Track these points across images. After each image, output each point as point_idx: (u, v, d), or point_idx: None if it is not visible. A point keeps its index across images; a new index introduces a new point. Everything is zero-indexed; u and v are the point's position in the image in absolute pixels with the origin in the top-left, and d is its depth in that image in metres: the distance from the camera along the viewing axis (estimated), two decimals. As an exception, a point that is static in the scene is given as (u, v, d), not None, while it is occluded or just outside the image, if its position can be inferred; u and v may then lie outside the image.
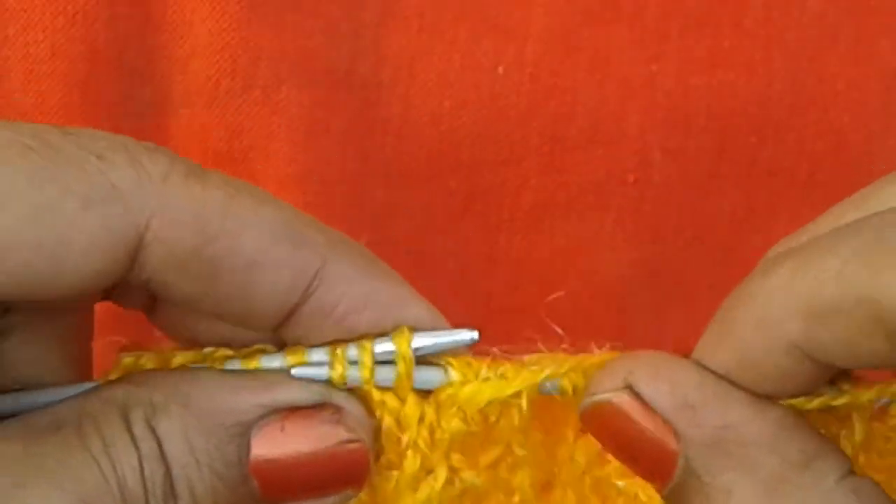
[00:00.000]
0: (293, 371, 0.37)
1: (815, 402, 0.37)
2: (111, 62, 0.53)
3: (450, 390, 0.38)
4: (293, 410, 0.36)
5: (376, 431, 0.38)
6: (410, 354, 0.37)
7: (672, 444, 0.36)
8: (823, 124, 0.59)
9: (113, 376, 0.38)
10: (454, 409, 0.38)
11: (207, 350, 0.38)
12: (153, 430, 0.35)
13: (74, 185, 0.34)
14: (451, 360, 0.38)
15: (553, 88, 0.57)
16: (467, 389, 0.38)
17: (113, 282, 0.36)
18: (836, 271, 0.34)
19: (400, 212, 0.57)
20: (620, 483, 0.40)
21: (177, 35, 0.54)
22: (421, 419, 0.38)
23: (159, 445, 0.35)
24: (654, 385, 0.36)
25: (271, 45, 0.54)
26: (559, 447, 0.40)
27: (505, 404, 0.38)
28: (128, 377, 0.37)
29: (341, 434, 0.37)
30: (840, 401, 0.37)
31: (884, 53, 0.59)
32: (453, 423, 0.38)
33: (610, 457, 0.39)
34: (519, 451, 0.39)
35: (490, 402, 0.38)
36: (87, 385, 0.38)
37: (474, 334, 0.38)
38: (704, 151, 0.58)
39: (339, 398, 0.37)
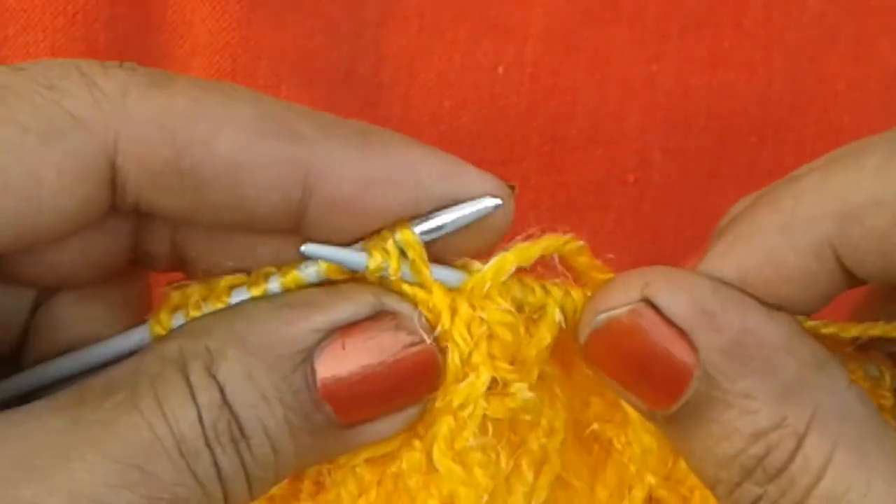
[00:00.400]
0: (318, 251, 0.35)
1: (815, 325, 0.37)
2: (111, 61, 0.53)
3: (476, 277, 0.36)
4: (350, 326, 0.35)
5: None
6: (416, 239, 0.35)
7: (689, 355, 0.35)
8: (823, 124, 0.59)
9: (163, 314, 0.37)
10: (487, 293, 0.36)
11: (252, 272, 0.37)
12: (214, 378, 0.34)
13: (29, 121, 0.33)
14: (469, 262, 0.37)
15: (553, 88, 0.57)
16: (494, 264, 0.36)
17: (100, 213, 0.35)
18: (875, 166, 0.34)
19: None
20: (595, 426, 0.39)
21: (177, 35, 0.54)
22: (454, 311, 0.36)
23: (221, 392, 0.34)
24: (672, 295, 0.35)
25: (271, 44, 0.54)
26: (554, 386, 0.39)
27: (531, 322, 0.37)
28: (181, 329, 0.36)
29: (403, 339, 0.35)
30: (827, 329, 0.37)
31: (884, 53, 0.59)
32: (491, 312, 0.36)
33: (592, 398, 0.39)
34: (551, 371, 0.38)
35: (516, 271, 0.36)
36: (137, 331, 0.37)
37: (497, 200, 0.36)
38: (704, 151, 0.58)
39: (392, 303, 0.36)
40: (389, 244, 0.35)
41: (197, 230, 0.37)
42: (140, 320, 0.39)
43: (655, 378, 0.35)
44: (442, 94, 0.56)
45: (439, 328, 0.36)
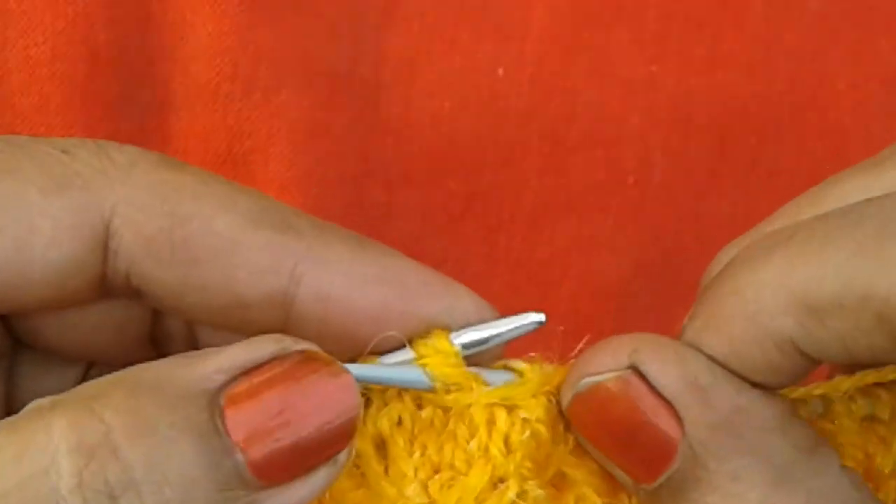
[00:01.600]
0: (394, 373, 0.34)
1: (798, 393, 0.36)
2: (111, 64, 0.53)
3: (521, 390, 0.35)
4: (259, 366, 0.32)
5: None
6: (455, 349, 0.34)
7: (674, 429, 0.34)
8: (824, 125, 0.59)
9: None
10: (529, 411, 0.35)
11: None
12: (100, 417, 0.29)
13: (34, 176, 0.33)
14: (523, 365, 0.36)
15: (553, 89, 0.57)
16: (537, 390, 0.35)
17: (90, 275, 0.34)
18: (837, 265, 0.32)
19: (400, 213, 0.57)
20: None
21: (177, 37, 0.54)
22: (491, 422, 0.35)
23: (106, 433, 0.29)
24: (662, 364, 0.34)
25: (272, 47, 0.54)
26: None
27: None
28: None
29: (315, 367, 0.32)
30: (818, 391, 0.36)
31: (884, 54, 0.59)
32: (530, 429, 0.35)
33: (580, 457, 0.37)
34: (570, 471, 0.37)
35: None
36: None
37: (541, 317, 0.35)
38: (705, 152, 0.58)
39: (301, 345, 0.32)
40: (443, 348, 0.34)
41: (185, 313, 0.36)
42: None
43: (639, 450, 0.34)
44: (442, 95, 0.56)
45: (474, 444, 0.35)
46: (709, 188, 0.58)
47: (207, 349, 0.32)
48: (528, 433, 0.35)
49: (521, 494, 0.35)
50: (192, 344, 0.38)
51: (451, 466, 0.35)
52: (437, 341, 0.35)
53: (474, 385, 0.35)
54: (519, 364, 0.36)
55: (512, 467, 0.35)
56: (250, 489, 0.31)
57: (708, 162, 0.58)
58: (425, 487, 0.35)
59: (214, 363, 0.31)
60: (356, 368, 0.34)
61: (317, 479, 0.32)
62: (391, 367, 0.35)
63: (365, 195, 0.57)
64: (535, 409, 0.35)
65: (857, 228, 0.33)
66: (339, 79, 0.56)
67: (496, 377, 0.36)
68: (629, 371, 0.34)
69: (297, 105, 0.55)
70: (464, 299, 0.36)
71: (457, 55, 0.56)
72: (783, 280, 0.33)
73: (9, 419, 0.29)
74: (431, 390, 0.35)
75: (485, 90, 0.56)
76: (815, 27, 0.58)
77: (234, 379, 0.31)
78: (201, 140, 0.54)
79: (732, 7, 0.57)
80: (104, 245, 0.34)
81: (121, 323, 0.37)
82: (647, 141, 0.57)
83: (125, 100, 0.54)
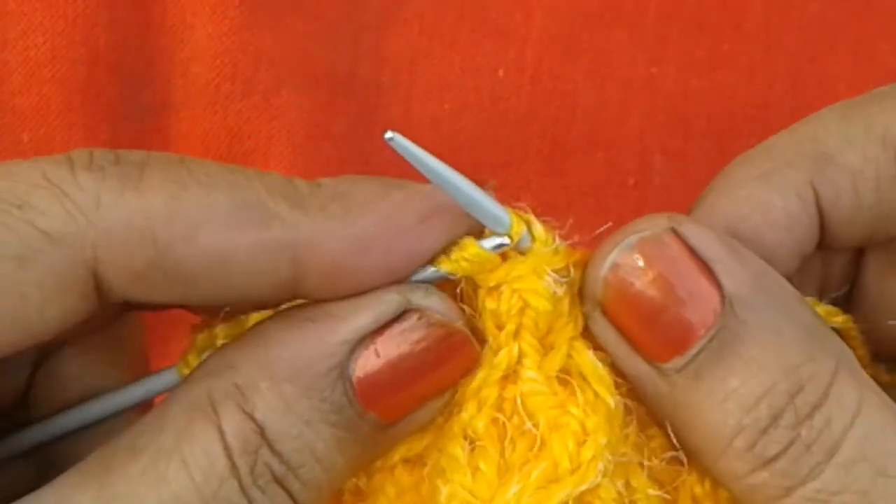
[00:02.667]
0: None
1: None
2: (111, 66, 0.53)
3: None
4: (379, 330, 0.35)
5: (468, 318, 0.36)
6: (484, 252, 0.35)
7: (715, 288, 0.34)
8: (824, 126, 0.59)
9: (191, 356, 0.37)
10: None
11: (282, 308, 0.36)
12: (251, 417, 0.33)
13: (4, 248, 0.33)
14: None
15: (553, 91, 0.57)
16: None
17: (87, 315, 0.35)
18: (838, 115, 0.36)
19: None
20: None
21: (177, 39, 0.54)
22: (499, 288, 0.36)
23: (261, 432, 0.33)
24: (700, 229, 0.35)
25: (272, 48, 0.54)
26: None
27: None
28: (204, 367, 0.35)
29: (435, 331, 0.35)
30: None
31: (884, 55, 0.59)
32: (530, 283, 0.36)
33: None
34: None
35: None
36: (165, 374, 0.37)
37: (504, 240, 0.36)
38: (705, 154, 0.58)
39: (418, 298, 0.35)
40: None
41: None
42: (140, 358, 0.40)
43: (678, 313, 0.34)
44: (442, 96, 0.56)
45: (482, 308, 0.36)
46: (709, 190, 0.58)
47: (327, 311, 0.35)
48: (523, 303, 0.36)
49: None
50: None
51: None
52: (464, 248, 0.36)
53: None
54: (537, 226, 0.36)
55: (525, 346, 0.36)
56: (384, 431, 0.35)
57: (708, 163, 0.58)
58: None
59: (340, 334, 0.34)
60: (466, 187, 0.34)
61: (429, 408, 0.36)
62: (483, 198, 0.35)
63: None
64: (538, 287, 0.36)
65: (843, 104, 0.37)
66: (339, 80, 0.56)
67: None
68: (668, 231, 0.35)
69: (296, 106, 0.55)
70: (446, 218, 0.36)
71: (457, 56, 0.56)
72: (792, 136, 0.36)
73: (180, 422, 0.34)
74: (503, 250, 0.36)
75: (485, 91, 0.56)
76: (814, 29, 0.58)
77: (358, 345, 0.34)
78: (201, 141, 0.54)
79: (732, 8, 0.57)
80: (95, 290, 0.35)
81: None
82: (646, 142, 0.57)
83: (125, 101, 0.54)
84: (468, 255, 0.35)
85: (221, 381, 0.34)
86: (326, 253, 0.34)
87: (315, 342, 0.34)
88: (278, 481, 0.34)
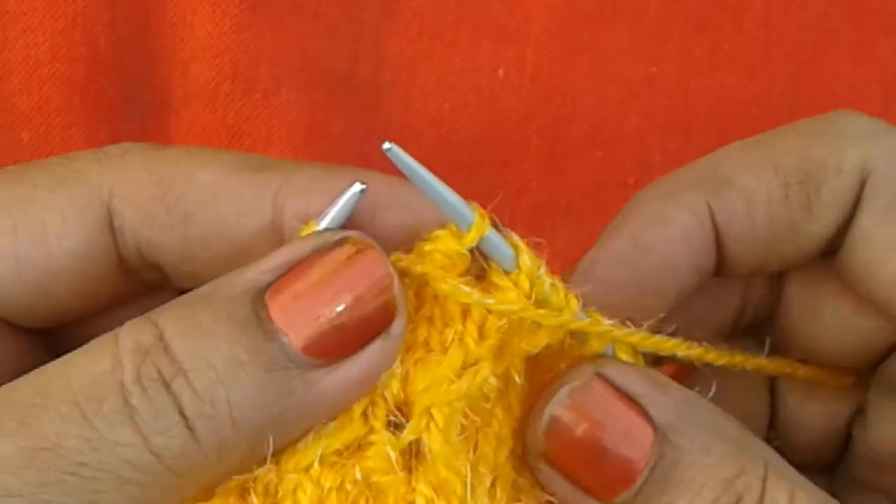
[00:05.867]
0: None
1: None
2: (111, 65, 0.53)
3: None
4: (301, 261, 0.34)
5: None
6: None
7: (646, 422, 0.35)
8: (823, 126, 0.59)
9: None
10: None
11: None
12: (150, 320, 0.33)
13: (41, 179, 0.37)
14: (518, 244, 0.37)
15: (553, 90, 0.57)
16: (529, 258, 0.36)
17: (108, 259, 0.37)
18: (738, 146, 0.40)
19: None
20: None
21: (177, 38, 0.54)
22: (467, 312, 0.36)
23: (158, 334, 0.32)
24: (623, 366, 0.37)
25: (271, 47, 0.54)
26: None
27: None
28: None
29: (348, 250, 0.34)
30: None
31: (883, 55, 0.59)
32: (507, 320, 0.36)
33: None
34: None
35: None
36: None
37: (361, 186, 0.36)
38: (704, 153, 0.58)
39: (339, 234, 0.34)
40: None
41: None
42: None
43: (618, 452, 0.35)
44: (442, 96, 0.57)
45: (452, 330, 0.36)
46: (708, 189, 0.58)
47: (260, 258, 0.34)
48: (504, 322, 0.36)
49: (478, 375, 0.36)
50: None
51: (426, 345, 0.36)
52: (442, 241, 0.36)
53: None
54: (520, 246, 0.37)
55: (484, 352, 0.36)
56: (303, 368, 0.33)
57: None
58: (401, 361, 0.36)
59: (258, 266, 0.34)
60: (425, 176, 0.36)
61: (372, 352, 0.34)
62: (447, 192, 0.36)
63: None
64: (513, 302, 0.36)
65: (746, 142, 0.40)
66: (339, 79, 0.56)
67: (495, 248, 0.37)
68: (594, 377, 0.36)
69: (296, 105, 0.55)
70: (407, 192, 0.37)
71: (457, 56, 0.56)
72: (694, 166, 0.40)
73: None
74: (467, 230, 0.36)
75: (485, 91, 0.56)
76: (814, 28, 0.58)
77: (281, 276, 0.33)
78: (201, 140, 0.54)
79: (732, 8, 0.57)
80: (111, 225, 0.37)
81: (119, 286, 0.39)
82: (646, 142, 0.57)
83: (125, 100, 0.54)
84: (442, 248, 0.36)
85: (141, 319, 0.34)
86: (306, 197, 0.36)
87: (234, 274, 0.34)
88: (165, 384, 0.32)
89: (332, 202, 0.36)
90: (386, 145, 0.35)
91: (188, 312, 0.33)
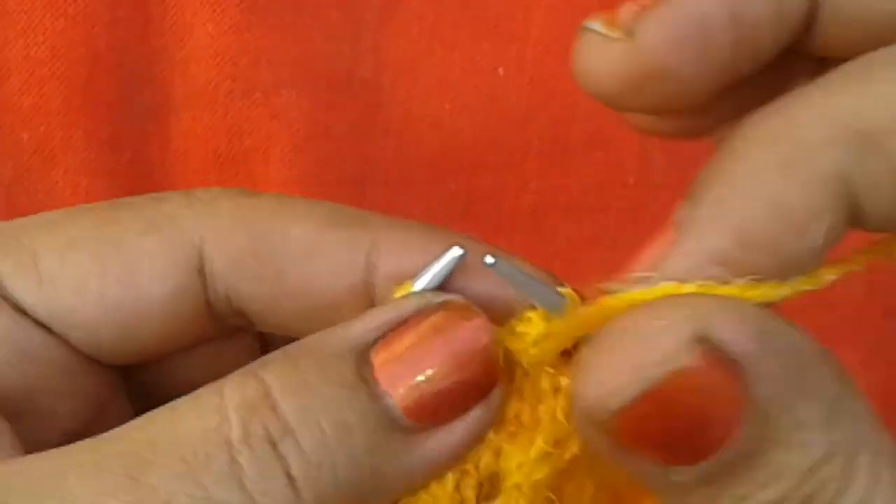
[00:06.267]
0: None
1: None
2: (111, 65, 0.53)
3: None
4: (404, 322, 0.34)
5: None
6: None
7: (742, 393, 0.29)
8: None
9: None
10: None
11: None
12: (255, 376, 0.32)
13: (131, 222, 0.37)
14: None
15: (553, 91, 0.57)
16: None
17: (196, 303, 0.37)
18: (893, 79, 0.29)
19: (400, 214, 0.57)
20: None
21: (177, 38, 0.54)
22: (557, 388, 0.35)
23: (265, 392, 0.32)
24: (731, 326, 0.30)
25: (271, 47, 0.54)
26: None
27: None
28: None
29: (453, 313, 0.33)
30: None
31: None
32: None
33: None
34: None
35: None
36: None
37: (457, 251, 0.35)
38: (705, 152, 0.58)
39: (442, 297, 0.34)
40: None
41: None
42: None
43: (701, 435, 0.30)
44: (442, 96, 0.57)
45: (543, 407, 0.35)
46: (709, 189, 0.58)
47: (362, 314, 0.34)
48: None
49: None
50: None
51: (517, 420, 0.35)
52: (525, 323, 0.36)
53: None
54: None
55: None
56: (406, 432, 0.33)
57: (708, 162, 0.58)
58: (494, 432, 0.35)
59: (362, 324, 0.34)
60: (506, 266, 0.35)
61: (472, 419, 0.33)
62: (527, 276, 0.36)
63: (365, 196, 0.57)
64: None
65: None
66: (339, 79, 0.56)
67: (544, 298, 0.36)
68: (698, 349, 0.29)
69: (296, 106, 0.55)
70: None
71: (457, 56, 0.56)
72: (827, 106, 0.29)
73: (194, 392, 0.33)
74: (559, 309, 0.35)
75: (485, 91, 0.56)
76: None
77: (383, 335, 0.33)
78: (201, 140, 0.54)
79: (732, 8, 0.57)
80: (201, 271, 0.37)
81: (234, 359, 0.39)
82: (646, 141, 0.57)
83: (125, 100, 0.54)
84: (534, 333, 0.35)
85: (247, 365, 0.34)
86: (399, 256, 0.36)
87: (340, 329, 0.34)
88: (273, 444, 0.32)
89: (426, 263, 0.35)
90: (489, 259, 0.34)
91: (294, 370, 0.33)
